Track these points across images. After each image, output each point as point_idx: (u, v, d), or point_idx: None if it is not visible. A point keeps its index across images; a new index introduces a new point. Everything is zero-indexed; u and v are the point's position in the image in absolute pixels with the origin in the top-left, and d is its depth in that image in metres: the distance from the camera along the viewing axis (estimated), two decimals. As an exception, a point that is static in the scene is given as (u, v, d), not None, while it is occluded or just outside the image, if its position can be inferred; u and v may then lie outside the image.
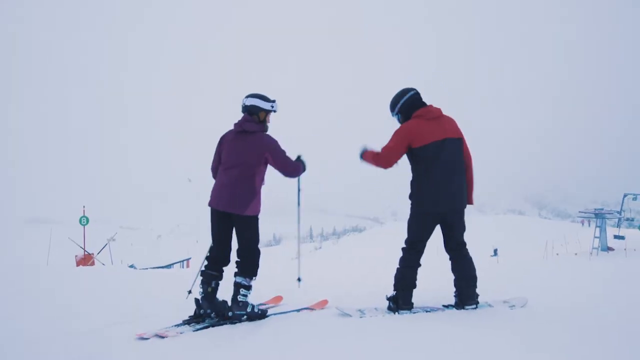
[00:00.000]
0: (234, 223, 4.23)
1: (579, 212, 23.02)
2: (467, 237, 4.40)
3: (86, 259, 12.48)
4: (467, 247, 4.42)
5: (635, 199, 18.89)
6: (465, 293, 4.29)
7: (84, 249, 12.64)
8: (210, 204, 4.27)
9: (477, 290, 4.36)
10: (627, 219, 22.66)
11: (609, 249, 16.91)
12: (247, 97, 4.32)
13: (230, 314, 4.06)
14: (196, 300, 4.17)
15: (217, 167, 4.42)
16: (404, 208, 4.91)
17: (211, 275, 4.21)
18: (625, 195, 19.26)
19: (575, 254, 16.61)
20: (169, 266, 28.79)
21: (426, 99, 4.42)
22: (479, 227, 61.26)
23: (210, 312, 4.11)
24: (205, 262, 4.36)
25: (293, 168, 4.42)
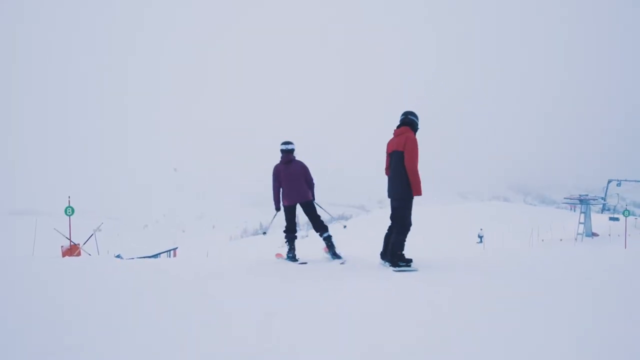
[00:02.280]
0: (302, 207, 7.34)
1: (564, 198, 23.24)
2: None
3: (72, 250, 12.28)
4: (408, 232, 6.26)
5: (619, 184, 19.14)
6: (390, 252, 6.25)
7: (70, 239, 12.44)
8: (287, 203, 7.34)
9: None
10: (608, 209, 22.78)
11: (594, 234, 17.11)
12: (286, 143, 7.43)
13: (332, 252, 7.16)
14: (289, 248, 7.43)
15: (278, 190, 7.47)
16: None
17: (293, 237, 7.52)
18: (609, 182, 19.52)
19: (561, 240, 16.73)
20: (155, 256, 28.62)
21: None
22: (465, 214, 61.65)
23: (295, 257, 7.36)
24: (285, 233, 7.48)
25: (312, 184, 7.57)
